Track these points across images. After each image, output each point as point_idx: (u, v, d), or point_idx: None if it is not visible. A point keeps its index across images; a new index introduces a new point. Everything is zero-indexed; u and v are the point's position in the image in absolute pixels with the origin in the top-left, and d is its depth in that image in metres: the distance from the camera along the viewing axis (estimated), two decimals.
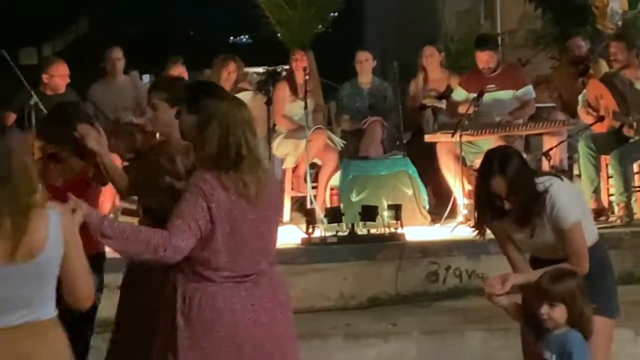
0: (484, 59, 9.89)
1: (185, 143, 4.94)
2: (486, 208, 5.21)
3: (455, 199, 9.63)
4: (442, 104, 10.46)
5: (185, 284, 4.48)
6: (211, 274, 4.46)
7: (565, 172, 10.07)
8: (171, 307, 4.50)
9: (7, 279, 3.79)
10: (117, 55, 10.55)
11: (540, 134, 9.95)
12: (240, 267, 4.50)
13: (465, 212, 9.49)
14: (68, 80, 9.98)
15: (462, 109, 9.71)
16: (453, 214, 9.57)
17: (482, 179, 5.16)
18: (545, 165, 9.53)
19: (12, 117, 9.71)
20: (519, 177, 5.05)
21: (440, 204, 9.81)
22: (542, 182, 5.13)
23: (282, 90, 10.51)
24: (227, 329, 4.47)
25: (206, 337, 4.46)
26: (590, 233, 5.25)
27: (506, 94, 9.85)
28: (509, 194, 5.04)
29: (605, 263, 5.40)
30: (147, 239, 4.35)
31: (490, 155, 5.24)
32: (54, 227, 3.82)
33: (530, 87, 10.04)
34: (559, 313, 4.76)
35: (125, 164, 8.25)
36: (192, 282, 4.48)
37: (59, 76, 9.92)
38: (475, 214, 5.37)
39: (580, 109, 9.81)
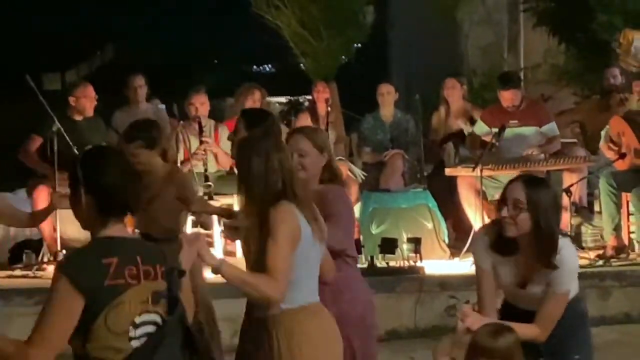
0: (508, 97, 9.88)
1: None
2: (501, 240, 4.92)
3: (474, 233, 9.60)
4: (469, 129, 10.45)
5: None
6: None
7: (585, 208, 10.08)
8: None
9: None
10: (140, 83, 10.55)
11: (561, 170, 9.93)
12: None
13: None
14: (95, 103, 9.87)
15: (483, 144, 9.72)
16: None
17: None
18: (566, 202, 9.53)
19: (37, 142, 9.72)
20: (549, 213, 4.84)
21: (460, 238, 9.79)
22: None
23: (304, 121, 10.53)
24: None
25: None
26: (575, 287, 5.07)
27: (529, 130, 9.84)
28: (535, 229, 4.79)
29: (585, 314, 5.30)
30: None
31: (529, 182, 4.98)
32: None
33: (554, 124, 10.03)
34: None
35: None
36: None
37: (85, 97, 9.78)
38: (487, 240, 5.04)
39: (602, 144, 9.81)
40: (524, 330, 4.69)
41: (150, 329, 3.67)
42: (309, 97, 11.02)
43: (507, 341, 4.35)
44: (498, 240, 4.92)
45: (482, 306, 5.00)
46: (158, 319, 3.70)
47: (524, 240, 4.85)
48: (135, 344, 3.62)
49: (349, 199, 5.71)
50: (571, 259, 4.93)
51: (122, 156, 3.98)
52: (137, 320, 3.63)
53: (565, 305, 4.90)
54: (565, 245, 4.88)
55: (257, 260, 4.53)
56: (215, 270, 4.39)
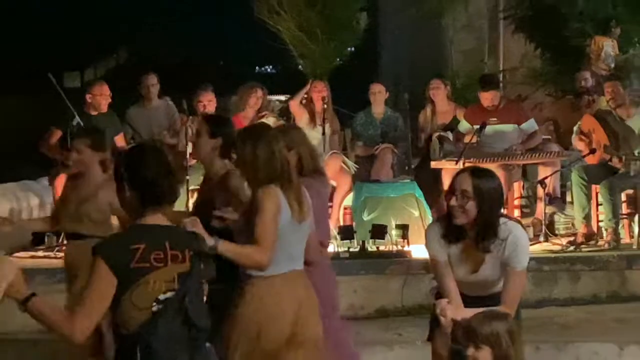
0: (488, 98, 9.88)
1: None
2: (450, 228, 4.84)
3: (427, 228, 9.60)
4: (449, 135, 10.46)
5: None
6: None
7: (558, 199, 10.09)
8: None
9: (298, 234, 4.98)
10: (152, 82, 10.53)
11: (536, 164, 9.94)
12: None
13: None
14: (110, 100, 9.93)
15: (466, 139, 9.72)
16: None
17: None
18: (541, 193, 9.54)
19: (57, 134, 9.73)
20: (492, 201, 4.75)
21: None
22: (503, 222, 4.82)
23: (295, 107, 10.66)
24: None
25: None
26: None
27: (507, 127, 9.84)
28: (479, 216, 4.72)
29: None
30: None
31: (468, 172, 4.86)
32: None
33: (532, 120, 10.02)
34: (485, 356, 4.10)
35: None
36: None
37: (100, 95, 9.87)
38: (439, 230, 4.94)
39: (574, 137, 9.82)
40: (464, 312, 4.61)
41: None
42: (306, 95, 10.96)
43: (494, 328, 4.15)
44: (448, 229, 4.84)
45: (448, 296, 4.87)
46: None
47: (469, 227, 4.78)
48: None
49: (322, 191, 5.88)
50: (523, 238, 4.85)
51: (159, 154, 4.14)
52: (161, 297, 3.85)
53: (525, 281, 4.87)
54: (514, 227, 4.82)
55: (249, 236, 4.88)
56: (212, 248, 4.64)
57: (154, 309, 3.84)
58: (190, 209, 6.95)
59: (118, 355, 3.94)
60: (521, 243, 4.80)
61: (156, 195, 3.97)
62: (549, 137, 11.02)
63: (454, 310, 4.64)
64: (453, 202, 4.76)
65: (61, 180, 9.02)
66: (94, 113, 9.79)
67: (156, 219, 3.97)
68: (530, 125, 9.95)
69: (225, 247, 4.78)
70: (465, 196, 4.70)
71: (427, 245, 5.06)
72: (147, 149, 4.25)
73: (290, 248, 5.04)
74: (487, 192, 4.71)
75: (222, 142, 5.54)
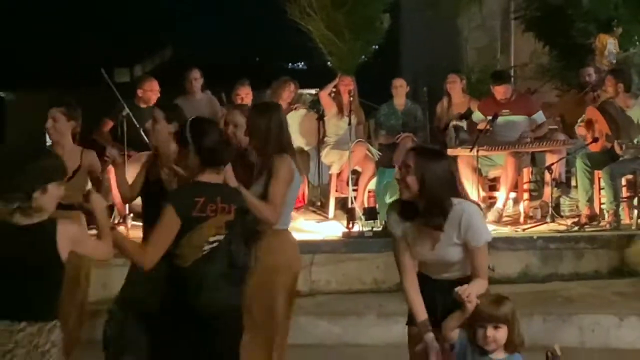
0: (501, 91, 9.85)
1: None
2: (403, 205, 4.59)
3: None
4: (463, 124, 10.42)
5: None
6: None
7: (564, 183, 10.04)
8: None
9: None
10: (196, 76, 10.53)
11: (544, 152, 9.89)
12: None
13: None
14: (158, 95, 9.99)
15: (480, 127, 9.68)
16: None
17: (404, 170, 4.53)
18: (548, 178, 9.49)
19: (109, 124, 9.80)
20: (435, 179, 4.46)
21: None
22: (458, 202, 4.53)
23: (325, 97, 10.65)
24: None
25: None
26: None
27: (518, 118, 9.80)
28: (421, 192, 4.46)
29: None
30: None
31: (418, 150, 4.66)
32: None
33: (541, 112, 9.99)
34: (502, 334, 4.20)
35: None
36: None
37: (151, 91, 9.97)
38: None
39: (577, 127, 9.77)
40: (479, 287, 4.41)
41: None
42: (334, 90, 10.95)
43: (508, 307, 4.24)
44: (402, 205, 4.59)
45: (405, 275, 4.65)
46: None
47: (421, 205, 4.51)
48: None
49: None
50: (475, 216, 4.53)
51: (216, 125, 4.92)
52: (211, 239, 4.44)
53: (486, 252, 4.52)
54: (467, 206, 4.53)
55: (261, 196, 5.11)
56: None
57: (205, 249, 4.42)
58: None
59: (171, 282, 4.46)
60: (474, 220, 4.50)
61: (214, 158, 4.55)
62: (556, 127, 10.97)
63: (475, 291, 4.35)
64: (397, 175, 4.60)
65: (111, 170, 9.07)
66: (143, 106, 9.83)
67: (212, 177, 4.54)
68: (539, 116, 9.93)
69: (245, 193, 4.93)
70: (407, 170, 4.49)
71: (387, 224, 4.95)
72: (206, 121, 4.82)
73: (290, 209, 5.40)
74: (430, 170, 4.45)
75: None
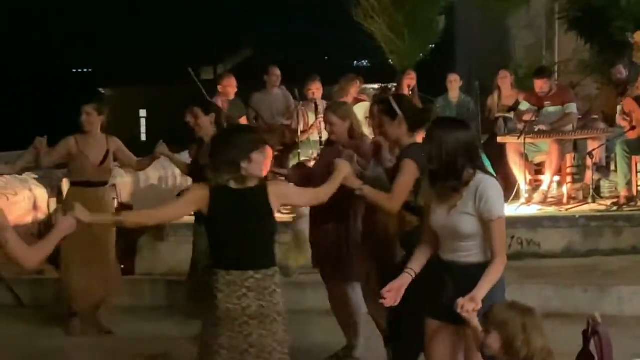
0: (539, 84, 9.70)
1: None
2: (430, 173, 4.26)
3: (519, 186, 9.52)
4: (511, 115, 10.33)
5: None
6: None
7: (604, 167, 9.91)
8: None
9: None
10: (276, 72, 10.55)
11: (586, 139, 9.76)
12: None
13: (526, 195, 9.38)
14: (236, 90, 10.07)
15: (526, 117, 9.56)
16: (517, 196, 9.46)
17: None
18: (589, 162, 9.37)
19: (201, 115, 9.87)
20: (450, 144, 4.11)
21: (507, 189, 9.64)
22: (479, 176, 4.13)
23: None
24: None
25: None
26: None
27: (557, 109, 9.66)
28: (437, 157, 4.14)
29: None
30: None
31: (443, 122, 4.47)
32: None
33: (573, 104, 9.70)
34: (493, 340, 3.64)
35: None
36: None
37: (230, 86, 10.04)
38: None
39: (618, 117, 9.61)
40: (498, 268, 4.00)
41: None
42: (394, 84, 10.91)
43: (507, 316, 3.64)
44: (430, 173, 4.25)
45: (423, 235, 4.38)
46: None
47: (439, 170, 4.19)
48: None
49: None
50: (492, 188, 4.10)
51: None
52: None
53: (504, 228, 4.10)
54: (485, 179, 4.13)
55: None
56: (359, 190, 4.96)
57: None
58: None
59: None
60: (490, 192, 4.07)
61: (423, 123, 5.03)
62: (597, 117, 10.80)
63: (473, 304, 3.87)
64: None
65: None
66: (222, 99, 9.92)
67: (418, 139, 5.04)
68: (569, 107, 9.65)
69: (368, 190, 4.98)
70: (426, 140, 4.27)
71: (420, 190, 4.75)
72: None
73: None
74: (444, 137, 4.12)
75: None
